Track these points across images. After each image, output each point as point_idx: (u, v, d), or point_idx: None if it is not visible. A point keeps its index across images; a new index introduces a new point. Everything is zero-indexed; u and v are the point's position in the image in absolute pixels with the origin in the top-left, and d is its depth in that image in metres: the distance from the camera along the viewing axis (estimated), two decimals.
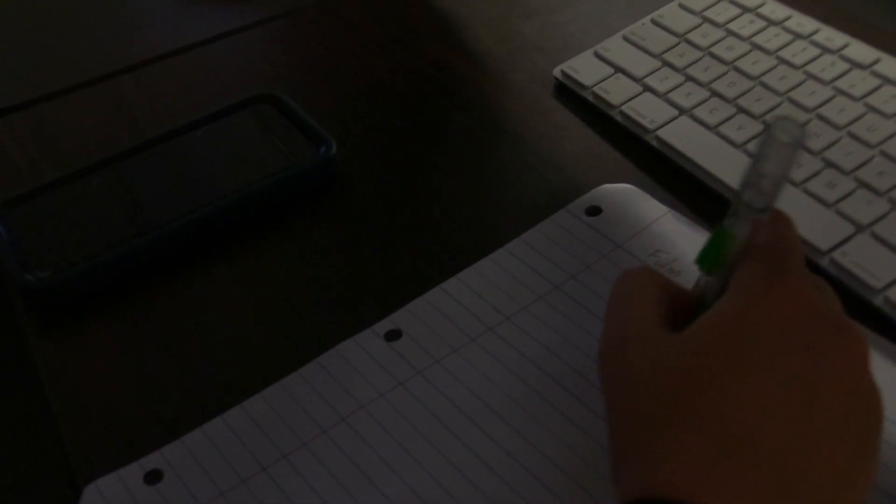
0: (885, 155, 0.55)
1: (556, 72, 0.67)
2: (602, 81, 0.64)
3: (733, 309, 0.37)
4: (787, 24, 0.65)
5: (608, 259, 0.53)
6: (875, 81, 0.59)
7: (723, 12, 0.67)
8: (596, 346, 0.48)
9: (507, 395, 0.47)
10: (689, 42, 0.66)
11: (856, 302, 0.49)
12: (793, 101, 0.59)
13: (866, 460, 0.36)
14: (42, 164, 0.66)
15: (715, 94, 0.61)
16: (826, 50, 0.62)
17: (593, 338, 0.49)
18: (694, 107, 0.61)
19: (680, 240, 0.54)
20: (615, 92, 0.63)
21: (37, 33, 0.81)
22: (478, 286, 0.53)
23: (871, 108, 0.58)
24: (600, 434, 0.45)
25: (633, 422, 0.37)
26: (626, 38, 0.67)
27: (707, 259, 0.39)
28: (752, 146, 0.57)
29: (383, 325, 0.51)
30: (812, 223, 0.52)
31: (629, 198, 0.57)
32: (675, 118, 0.60)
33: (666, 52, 0.65)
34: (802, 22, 0.65)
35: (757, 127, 0.58)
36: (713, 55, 0.64)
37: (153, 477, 0.46)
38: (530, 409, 0.46)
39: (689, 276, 0.50)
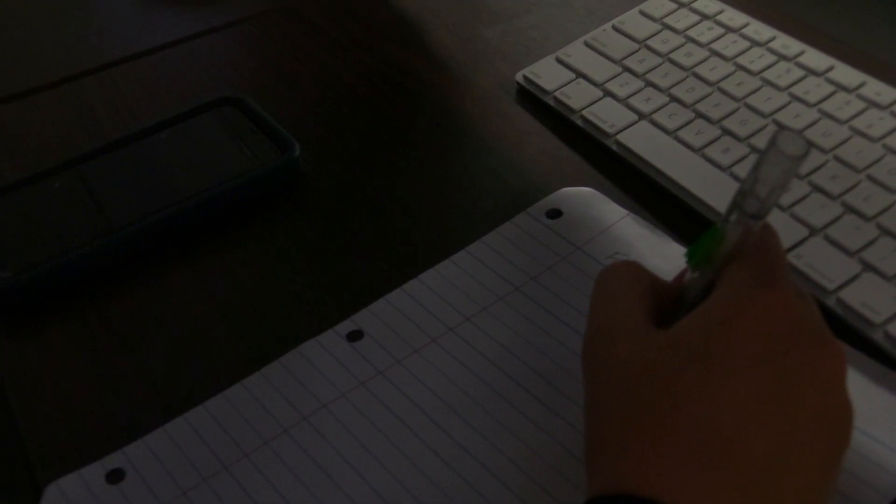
0: (838, 160, 0.56)
1: (518, 77, 0.68)
2: (563, 86, 0.65)
3: (718, 312, 0.37)
4: (744, 31, 0.66)
5: (567, 261, 0.54)
6: (829, 88, 0.60)
7: (682, 19, 0.68)
8: (555, 346, 0.49)
9: (467, 394, 0.48)
10: (649, 48, 0.67)
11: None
12: (749, 107, 0.60)
13: (831, 471, 0.36)
14: (4, 165, 0.66)
15: (674, 99, 0.62)
16: (782, 57, 0.63)
17: (553, 338, 0.49)
18: (653, 112, 0.62)
19: (638, 243, 0.54)
20: (576, 97, 0.64)
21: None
22: (439, 287, 0.53)
23: (826, 115, 0.59)
24: (559, 432, 0.45)
25: (610, 415, 0.37)
26: (587, 44, 0.68)
27: (697, 255, 0.40)
28: (709, 151, 0.58)
29: (345, 326, 0.52)
30: None
31: (589, 201, 0.58)
32: (635, 123, 0.61)
33: (626, 57, 0.66)
34: (759, 29, 0.66)
35: (715, 131, 0.59)
36: (672, 61, 0.65)
37: (115, 476, 0.46)
38: (490, 409, 0.47)
39: None
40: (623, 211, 0.57)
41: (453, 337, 0.51)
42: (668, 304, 0.41)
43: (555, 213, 0.57)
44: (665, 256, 0.53)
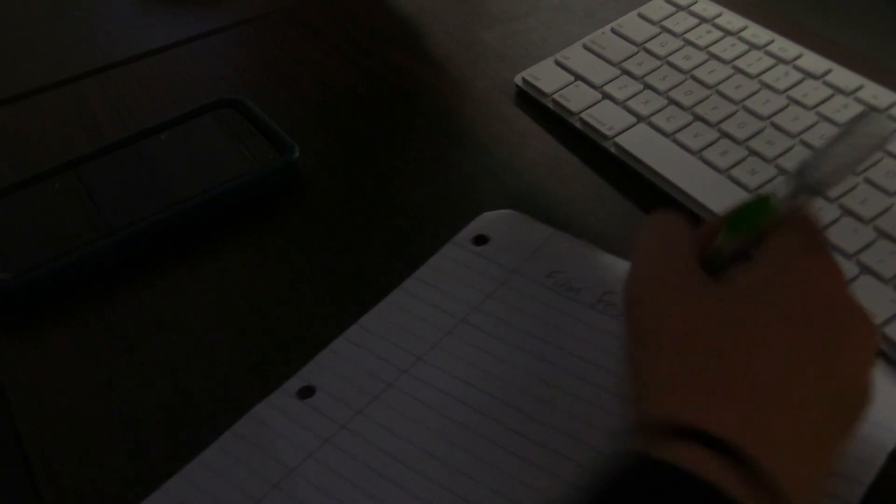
0: None
1: (517, 79, 0.68)
2: (562, 89, 0.65)
3: (773, 271, 0.39)
4: (742, 34, 0.66)
5: (507, 286, 0.53)
6: (827, 91, 0.61)
7: (681, 22, 0.68)
8: (515, 373, 0.48)
9: (440, 434, 0.46)
10: (647, 51, 0.67)
11: None
12: (747, 110, 0.60)
13: (846, 442, 0.38)
14: (3, 166, 0.66)
15: (672, 101, 0.62)
16: (780, 60, 0.64)
17: (510, 365, 0.49)
18: (652, 114, 0.62)
19: (571, 258, 0.54)
20: (575, 99, 0.64)
21: None
22: (382, 330, 0.52)
23: (823, 118, 0.59)
24: (537, 457, 0.44)
25: (674, 360, 0.37)
26: (585, 47, 0.68)
27: (742, 223, 0.41)
28: (707, 153, 0.58)
29: (294, 384, 0.49)
30: None
31: (513, 223, 0.57)
32: (634, 125, 0.61)
33: (625, 60, 0.66)
34: (758, 33, 0.66)
35: (713, 134, 0.59)
36: (671, 64, 0.65)
37: None
38: (466, 446, 0.45)
39: (589, 292, 0.52)
40: (549, 229, 0.56)
41: (410, 378, 0.49)
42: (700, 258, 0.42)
43: (481, 240, 0.56)
44: (601, 267, 0.53)
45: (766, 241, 0.41)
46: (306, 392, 0.49)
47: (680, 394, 0.37)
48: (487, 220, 0.57)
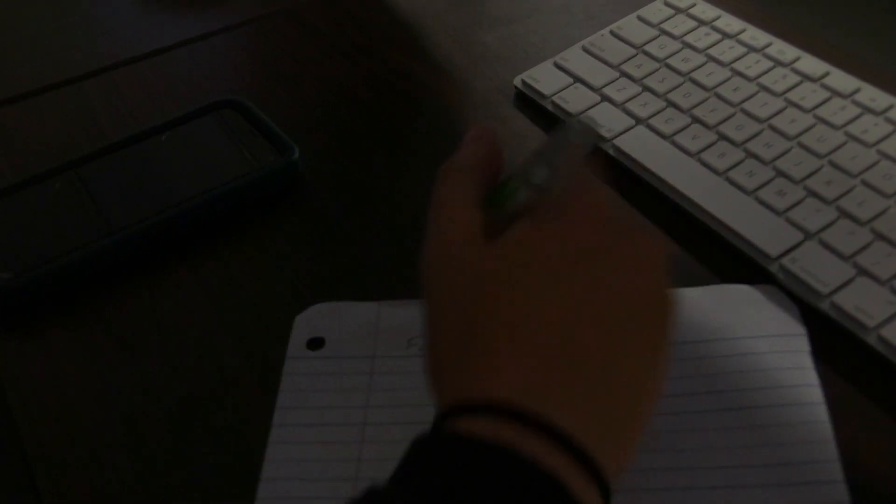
0: (833, 165, 0.56)
1: (517, 81, 0.68)
2: (561, 91, 0.66)
3: (538, 222, 0.39)
4: (741, 37, 0.66)
5: (377, 373, 0.50)
6: (825, 94, 0.61)
7: (679, 25, 0.69)
8: None
9: None
10: (646, 53, 0.67)
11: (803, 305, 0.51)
12: (745, 112, 0.61)
13: (661, 349, 0.39)
14: (4, 167, 0.66)
15: (671, 104, 0.63)
16: (778, 62, 0.64)
17: None
18: (650, 117, 0.62)
19: (413, 321, 0.50)
20: (574, 101, 0.64)
21: (0, 37, 0.81)
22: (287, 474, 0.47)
23: (821, 120, 0.59)
24: None
25: (450, 329, 0.38)
26: (585, 49, 0.69)
27: (494, 203, 0.42)
28: (706, 156, 0.58)
29: None
30: (762, 230, 0.53)
31: (336, 313, 0.54)
32: (632, 127, 0.62)
33: (624, 62, 0.67)
34: (756, 35, 0.66)
35: (711, 136, 0.59)
36: (670, 66, 0.65)
37: None
38: None
39: None
40: (373, 304, 0.54)
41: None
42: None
43: (316, 343, 0.52)
44: None
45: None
46: None
47: (456, 368, 0.37)
48: (310, 322, 0.53)
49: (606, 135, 0.61)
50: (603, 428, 0.36)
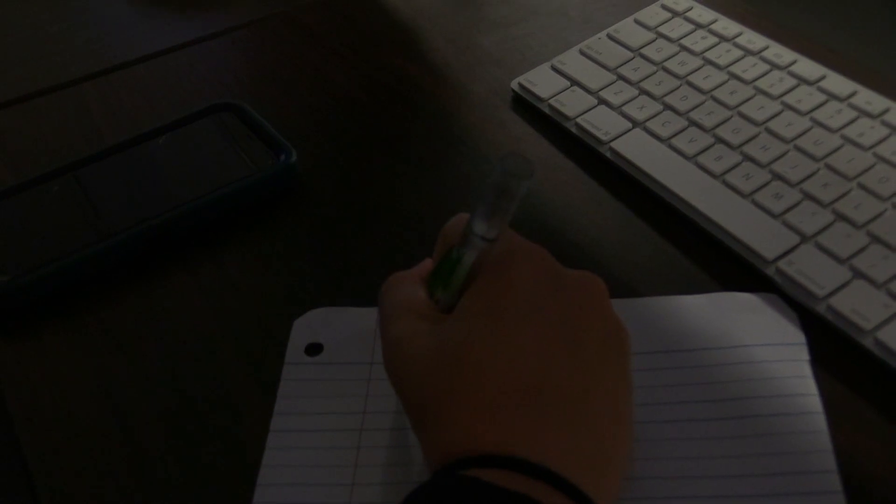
0: (829, 168, 0.56)
1: (514, 84, 0.68)
2: (558, 94, 0.66)
3: (488, 285, 0.41)
4: (738, 40, 0.66)
5: (374, 379, 0.50)
6: (821, 97, 0.61)
7: (676, 28, 0.69)
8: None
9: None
10: (643, 57, 0.67)
11: (798, 306, 0.51)
12: (742, 115, 0.61)
13: (625, 378, 0.41)
14: (2, 169, 0.66)
15: (668, 107, 0.63)
16: (775, 66, 0.64)
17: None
18: (647, 119, 0.62)
19: None
20: (571, 104, 0.65)
21: None
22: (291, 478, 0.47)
23: (818, 123, 0.59)
24: None
25: (426, 402, 0.40)
26: (582, 52, 0.69)
27: (439, 282, 0.43)
28: (702, 159, 0.59)
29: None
30: (758, 233, 0.54)
31: (334, 319, 0.54)
32: (629, 130, 0.62)
33: (621, 66, 0.67)
34: (753, 39, 0.66)
35: (708, 139, 0.60)
36: (666, 70, 0.66)
37: None
38: None
39: None
40: (371, 309, 0.53)
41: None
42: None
43: (314, 349, 0.52)
44: None
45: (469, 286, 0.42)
46: None
47: (435, 429, 0.39)
48: (304, 328, 0.53)
49: (603, 138, 0.61)
50: (585, 461, 0.38)
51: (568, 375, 0.39)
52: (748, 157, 0.58)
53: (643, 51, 0.68)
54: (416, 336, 0.41)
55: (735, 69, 0.64)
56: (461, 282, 0.42)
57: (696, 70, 0.65)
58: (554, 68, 0.68)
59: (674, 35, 0.68)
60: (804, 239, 0.53)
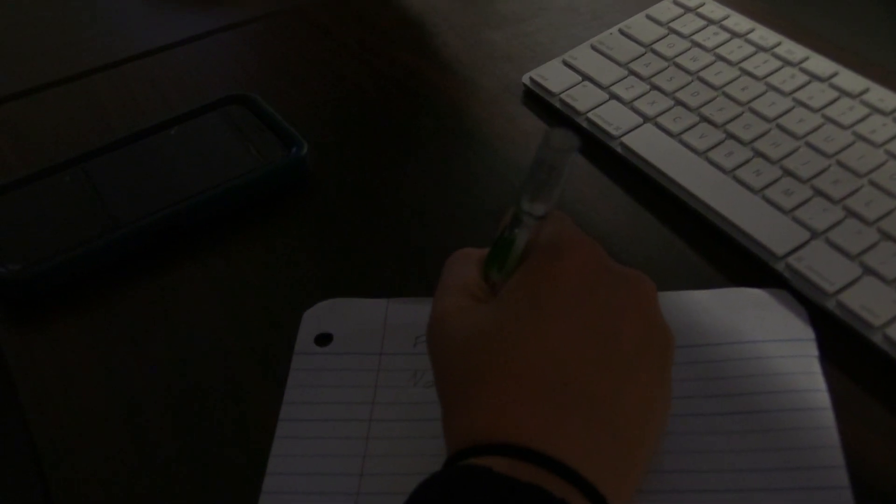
0: (840, 164, 0.56)
1: (525, 79, 0.68)
2: (569, 89, 0.66)
3: (534, 272, 0.41)
4: (750, 36, 0.66)
5: (384, 370, 0.50)
6: (833, 94, 0.61)
7: (688, 24, 0.69)
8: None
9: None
10: (654, 52, 0.67)
11: (809, 303, 0.51)
12: (753, 111, 0.61)
13: (663, 385, 0.41)
14: (13, 160, 0.66)
15: (679, 103, 0.63)
16: (787, 62, 0.64)
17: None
18: (658, 115, 0.62)
19: (421, 318, 0.47)
20: (582, 99, 0.64)
21: (9, 32, 0.81)
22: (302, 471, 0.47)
23: (829, 120, 0.59)
24: None
25: (456, 381, 0.40)
26: (593, 48, 0.69)
27: (494, 263, 0.43)
28: (713, 154, 0.58)
29: None
30: (768, 228, 0.53)
31: (344, 310, 0.54)
32: (640, 125, 0.62)
33: (632, 61, 0.67)
34: (765, 35, 0.66)
35: (719, 135, 0.59)
36: (678, 65, 0.65)
37: None
38: None
39: None
40: (381, 301, 0.54)
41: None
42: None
43: (324, 339, 0.52)
44: None
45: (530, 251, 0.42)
46: None
47: (464, 414, 0.39)
48: (314, 319, 0.53)
49: (614, 133, 0.61)
50: (606, 462, 0.37)
51: (598, 374, 0.38)
52: (759, 153, 0.58)
53: (655, 46, 0.67)
54: (460, 313, 0.41)
55: (746, 65, 0.64)
56: (515, 262, 0.42)
57: (707, 66, 0.65)
58: (565, 63, 0.68)
59: (685, 31, 0.68)
60: (814, 235, 0.53)
